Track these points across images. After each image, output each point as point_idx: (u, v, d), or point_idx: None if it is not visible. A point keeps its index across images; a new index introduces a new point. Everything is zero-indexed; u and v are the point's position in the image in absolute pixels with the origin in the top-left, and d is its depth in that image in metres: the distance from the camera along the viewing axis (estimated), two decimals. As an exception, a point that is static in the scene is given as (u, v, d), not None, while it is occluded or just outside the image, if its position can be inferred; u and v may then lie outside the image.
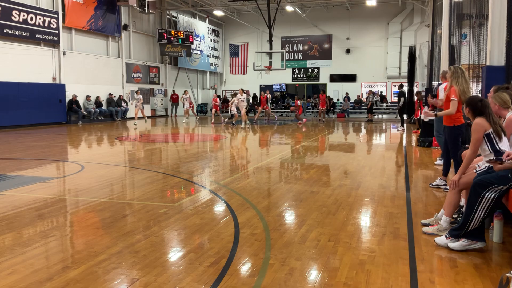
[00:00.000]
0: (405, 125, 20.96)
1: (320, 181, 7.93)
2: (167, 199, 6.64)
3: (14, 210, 5.88)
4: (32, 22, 20.50)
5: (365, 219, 5.59)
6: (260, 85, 36.97)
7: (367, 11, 33.44)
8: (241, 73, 37.69)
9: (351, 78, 35.54)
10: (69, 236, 5.06)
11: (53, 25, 21.70)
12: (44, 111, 20.99)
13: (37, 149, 12.60)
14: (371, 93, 27.82)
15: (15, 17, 19.63)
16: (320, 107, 26.39)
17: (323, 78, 36.41)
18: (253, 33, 36.29)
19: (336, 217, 5.55)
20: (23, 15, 20.05)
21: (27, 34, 20.26)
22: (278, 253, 4.27)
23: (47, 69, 21.73)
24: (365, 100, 34.10)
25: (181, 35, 30.67)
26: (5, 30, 19.14)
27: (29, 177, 8.28)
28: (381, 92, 34.45)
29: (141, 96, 22.67)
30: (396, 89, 28.73)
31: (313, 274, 3.83)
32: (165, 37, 30.09)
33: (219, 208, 6.19)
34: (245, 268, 3.96)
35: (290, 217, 5.72)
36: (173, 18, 32.24)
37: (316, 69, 36.45)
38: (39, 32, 20.92)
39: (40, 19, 20.91)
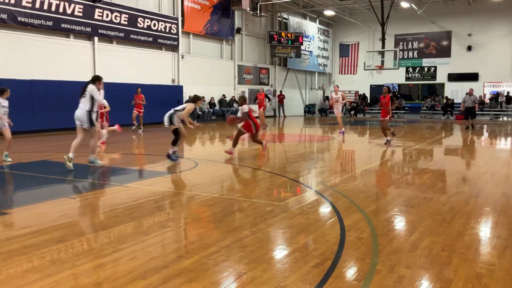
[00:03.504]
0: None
1: (435, 187, 7.47)
2: (274, 198, 6.75)
3: (136, 201, 6.41)
4: (155, 28, 22.21)
5: (484, 230, 5.15)
6: (371, 85, 35.91)
7: (492, 5, 30.72)
8: (350, 73, 36.96)
9: (472, 77, 32.89)
10: (183, 228, 5.39)
11: (173, 30, 23.28)
12: (164, 110, 22.49)
13: (157, 146, 13.60)
14: (471, 93, 20.99)
15: (140, 24, 21.41)
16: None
17: (441, 77, 34.22)
18: (365, 32, 35.35)
19: (451, 226, 5.19)
20: (147, 22, 21.79)
21: (150, 39, 21.99)
22: (386, 259, 4.11)
23: (167, 72, 23.38)
24: (488, 101, 31.41)
25: (291, 37, 30.99)
26: (131, 36, 20.97)
27: (149, 172, 8.98)
28: (508, 92, 31.42)
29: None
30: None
31: (424, 284, 3.62)
32: (276, 39, 30.64)
33: (325, 209, 6.14)
34: (350, 271, 3.88)
35: (399, 223, 5.47)
36: (283, 20, 32.69)
37: (432, 68, 34.40)
38: (161, 37, 22.59)
39: (162, 25, 22.56)
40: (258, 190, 7.40)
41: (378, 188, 7.69)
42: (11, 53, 16.12)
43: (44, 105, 16.93)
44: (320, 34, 36.43)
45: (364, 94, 35.62)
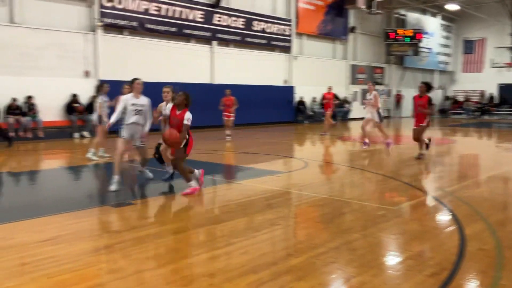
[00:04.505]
0: None
1: None
2: (386, 202, 6.51)
3: (248, 198, 6.62)
4: (269, 31, 22.72)
5: None
6: (500, 84, 32.79)
7: None
8: (475, 71, 34.16)
9: None
10: (293, 227, 5.44)
11: (287, 32, 23.61)
12: (275, 111, 23.00)
13: (268, 145, 13.91)
14: None
15: (255, 27, 22.06)
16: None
17: None
18: (492, 26, 32.38)
19: None
20: (262, 25, 22.38)
21: (264, 41, 22.55)
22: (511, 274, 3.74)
23: (280, 73, 23.77)
24: None
25: (409, 34, 29.56)
26: (246, 39, 21.71)
27: (261, 170, 9.21)
28: None
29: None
30: None
31: (559, 307, 3.23)
32: (392, 37, 29.48)
33: (443, 216, 5.76)
34: (471, 284, 3.60)
35: (530, 235, 4.93)
36: (401, 16, 31.31)
37: None
38: (275, 39, 23.04)
39: (276, 27, 23.01)
40: (369, 192, 7.19)
41: (506, 196, 7.00)
42: (140, 58, 17.61)
43: (167, 106, 18.23)
44: (442, 30, 34.24)
45: (491, 95, 32.67)
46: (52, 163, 10.93)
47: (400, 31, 29.57)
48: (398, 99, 30.42)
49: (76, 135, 15.42)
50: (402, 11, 31.06)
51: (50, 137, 14.24)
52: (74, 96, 15.41)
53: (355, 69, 28.55)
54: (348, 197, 6.88)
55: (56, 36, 15.28)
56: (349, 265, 3.96)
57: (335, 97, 18.51)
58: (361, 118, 25.87)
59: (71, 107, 15.38)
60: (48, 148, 12.46)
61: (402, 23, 31.29)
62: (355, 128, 21.08)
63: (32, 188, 7.75)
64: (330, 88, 18.08)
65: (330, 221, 5.39)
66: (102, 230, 5.18)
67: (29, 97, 14.21)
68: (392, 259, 4.20)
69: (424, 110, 10.26)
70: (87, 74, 16.15)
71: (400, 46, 29.72)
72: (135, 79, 7.24)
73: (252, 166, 9.66)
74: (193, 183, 6.69)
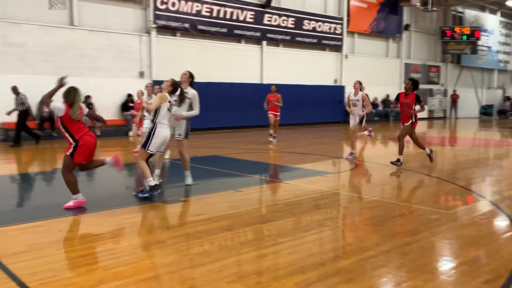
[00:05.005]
0: None
1: None
2: (440, 205, 6.30)
3: (296, 198, 6.62)
4: (320, 30, 22.53)
5: None
6: None
7: None
8: (539, 70, 32.33)
9: None
10: (341, 228, 5.39)
11: (338, 30, 23.32)
12: (324, 111, 22.78)
13: (317, 145, 13.80)
14: None
15: (305, 26, 21.95)
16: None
17: None
18: (558, 22, 30.55)
19: None
20: (313, 24, 22.23)
21: (314, 41, 22.39)
22: None
23: (330, 72, 23.52)
24: None
25: (466, 31, 28.40)
26: (296, 39, 21.64)
27: (309, 170, 9.17)
28: None
29: None
30: None
31: None
32: (448, 35, 28.42)
33: (501, 222, 5.51)
34: (530, 294, 3.42)
35: None
36: (458, 13, 30.13)
37: None
38: (325, 38, 22.83)
39: (326, 26, 22.79)
40: (422, 196, 6.99)
41: None
42: (192, 58, 17.98)
43: (218, 106, 18.51)
44: (502, 27, 32.64)
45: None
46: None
47: (457, 29, 28.48)
48: (454, 99, 29.30)
49: (131, 133, 15.97)
50: (460, 8, 29.90)
51: (106, 135, 14.84)
52: (129, 96, 15.97)
53: (409, 68, 27.78)
54: (400, 199, 6.72)
55: (113, 38, 15.92)
56: (400, 270, 3.87)
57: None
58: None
59: (127, 106, 15.96)
60: (105, 146, 12.99)
61: (459, 20, 30.12)
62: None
63: (89, 184, 8.11)
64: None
65: (381, 224, 5.29)
66: (155, 225, 5.35)
67: (87, 97, 14.85)
68: (445, 265, 4.07)
69: (407, 110, 9.19)
70: (141, 74, 16.70)
71: (457, 44, 28.62)
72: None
73: (300, 166, 9.64)
74: (80, 196, 5.80)
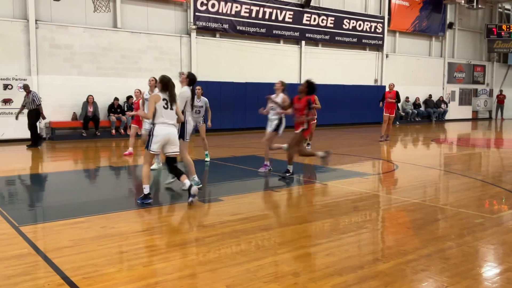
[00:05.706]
0: None
1: None
2: (484, 209, 6.08)
3: (334, 199, 6.55)
4: (360, 29, 22.20)
5: None
6: None
7: None
8: None
9: None
10: (380, 231, 5.28)
11: (379, 29, 22.91)
12: (365, 111, 22.41)
13: (357, 146, 13.61)
14: None
15: (345, 25, 21.68)
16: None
17: None
18: None
19: None
20: (352, 23, 21.93)
21: (354, 40, 22.07)
22: None
23: (370, 72, 23.13)
24: None
25: (514, 29, 27.27)
26: (336, 38, 21.40)
27: (348, 171, 9.05)
28: None
29: None
30: None
31: None
32: (495, 33, 27.38)
33: (551, 228, 5.25)
34: None
35: None
36: (505, 11, 28.98)
37: None
38: (366, 37, 22.47)
39: (367, 25, 22.42)
40: (466, 199, 6.76)
41: None
42: (231, 59, 18.13)
43: (256, 106, 18.54)
44: (553, 24, 31.08)
45: None
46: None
47: (504, 26, 27.40)
48: (501, 99, 28.17)
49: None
50: (507, 5, 28.74)
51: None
52: (169, 95, 16.22)
53: (452, 67, 26.96)
54: (443, 203, 6.53)
55: (154, 39, 16.26)
56: (441, 275, 3.76)
57: (397, 96, 15.38)
58: (458, 120, 24.44)
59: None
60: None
61: (507, 18, 28.96)
62: (451, 130, 19.92)
63: (130, 181, 8.32)
64: (392, 85, 15.64)
65: (422, 227, 5.15)
66: (193, 224, 5.42)
67: (129, 97, 15.22)
68: (489, 270, 3.92)
69: (299, 117, 7.90)
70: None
71: (504, 42, 27.52)
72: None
73: (339, 167, 9.53)
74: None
